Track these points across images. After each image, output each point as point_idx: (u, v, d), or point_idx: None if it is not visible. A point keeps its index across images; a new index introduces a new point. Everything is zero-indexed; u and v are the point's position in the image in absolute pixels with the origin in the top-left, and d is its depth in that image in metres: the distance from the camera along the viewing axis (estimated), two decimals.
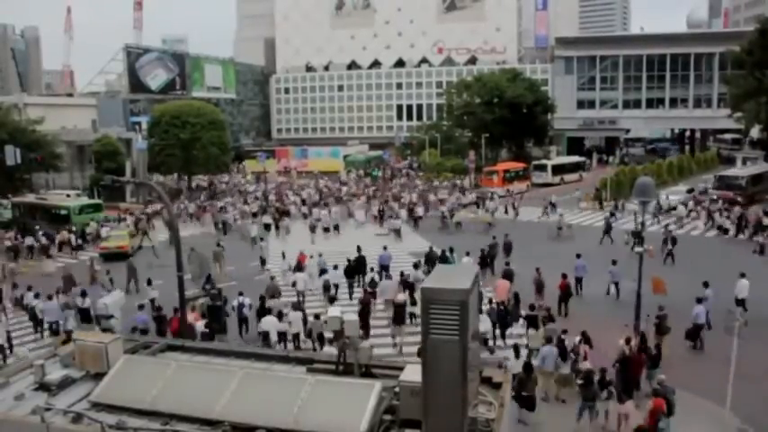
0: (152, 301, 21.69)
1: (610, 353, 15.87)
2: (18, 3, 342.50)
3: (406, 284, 21.67)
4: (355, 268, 24.92)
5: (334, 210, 42.09)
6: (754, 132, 68.43)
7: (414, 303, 19.91)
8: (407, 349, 17.70)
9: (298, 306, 20.94)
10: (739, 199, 41.24)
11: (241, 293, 20.94)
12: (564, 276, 21.88)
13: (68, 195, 45.69)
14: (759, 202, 41.15)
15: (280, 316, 19.28)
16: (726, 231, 35.28)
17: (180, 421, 6.64)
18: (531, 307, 19.15)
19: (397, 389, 6.69)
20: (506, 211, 43.06)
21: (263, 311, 19.86)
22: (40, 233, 36.14)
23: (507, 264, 24.62)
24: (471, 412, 6.16)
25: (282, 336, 19.13)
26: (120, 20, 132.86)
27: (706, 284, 19.96)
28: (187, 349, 8.82)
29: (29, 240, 35.29)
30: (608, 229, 33.42)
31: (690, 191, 45.93)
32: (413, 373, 6.39)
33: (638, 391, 15.07)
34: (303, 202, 49.05)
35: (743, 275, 20.87)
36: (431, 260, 25.51)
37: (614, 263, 23.50)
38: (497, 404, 6.90)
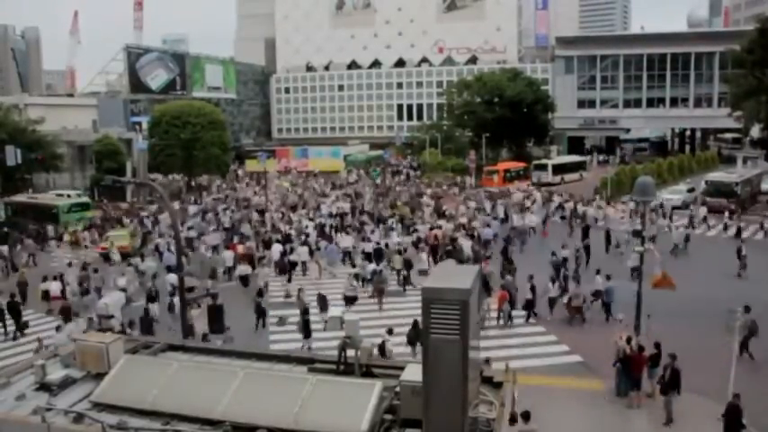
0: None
1: None
2: (18, 3, 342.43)
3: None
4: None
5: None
6: (755, 131, 68.34)
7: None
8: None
9: (305, 242, 30.92)
10: (732, 207, 38.09)
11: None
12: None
13: (69, 196, 45.87)
14: (751, 209, 38.01)
15: (292, 249, 28.87)
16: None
17: (181, 421, 6.64)
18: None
19: (397, 388, 6.68)
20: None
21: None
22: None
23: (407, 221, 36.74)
24: (472, 412, 6.16)
25: (293, 265, 27.74)
26: (121, 20, 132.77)
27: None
28: (188, 349, 8.82)
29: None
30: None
31: (690, 190, 45.77)
32: (414, 373, 6.39)
33: (639, 390, 15.06)
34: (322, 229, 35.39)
35: (598, 272, 22.36)
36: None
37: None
38: (498, 404, 6.90)
